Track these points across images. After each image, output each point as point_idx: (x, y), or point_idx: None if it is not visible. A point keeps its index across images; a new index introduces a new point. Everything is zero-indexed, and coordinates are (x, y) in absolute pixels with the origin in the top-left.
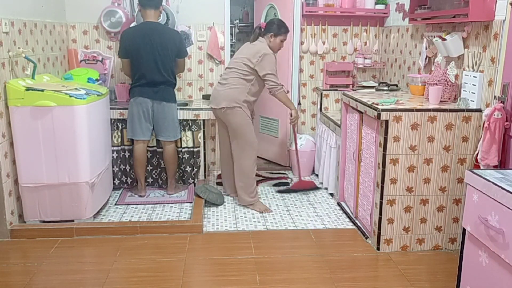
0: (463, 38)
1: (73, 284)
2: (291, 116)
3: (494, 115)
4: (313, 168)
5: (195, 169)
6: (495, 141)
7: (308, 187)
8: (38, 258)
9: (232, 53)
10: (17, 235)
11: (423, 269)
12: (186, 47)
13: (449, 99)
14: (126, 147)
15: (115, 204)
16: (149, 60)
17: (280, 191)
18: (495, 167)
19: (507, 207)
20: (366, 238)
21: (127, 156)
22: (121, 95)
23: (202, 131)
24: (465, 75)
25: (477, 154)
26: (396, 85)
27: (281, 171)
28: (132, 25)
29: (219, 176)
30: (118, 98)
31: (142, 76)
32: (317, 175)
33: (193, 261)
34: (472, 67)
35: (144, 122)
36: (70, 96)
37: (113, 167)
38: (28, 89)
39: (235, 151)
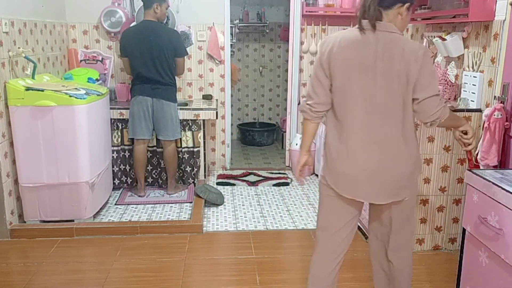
0: (463, 38)
1: (73, 284)
2: (465, 134)
3: (494, 115)
4: (313, 168)
5: (195, 169)
6: (495, 141)
7: None
8: (38, 258)
9: (232, 53)
10: (17, 235)
11: (423, 269)
12: (185, 46)
13: (449, 99)
14: (126, 147)
15: (115, 204)
16: (146, 59)
17: None
18: (495, 167)
19: (507, 207)
20: (366, 238)
21: (127, 156)
22: (121, 95)
23: (202, 131)
24: (465, 75)
25: (477, 154)
26: None
27: (281, 171)
28: (132, 24)
29: (219, 176)
30: (118, 98)
31: (140, 74)
32: (317, 175)
33: (193, 261)
34: (472, 67)
35: (144, 121)
36: (70, 96)
37: (113, 167)
38: (28, 89)
39: (406, 238)
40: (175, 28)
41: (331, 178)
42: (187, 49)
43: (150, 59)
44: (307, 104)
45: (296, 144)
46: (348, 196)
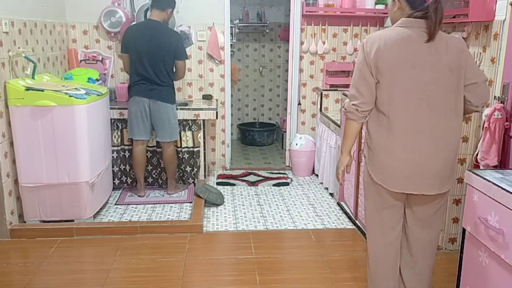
0: (463, 38)
1: (73, 284)
2: None
3: (494, 115)
4: (313, 168)
5: (195, 169)
6: (495, 141)
7: None
8: (38, 258)
9: (232, 53)
10: (17, 235)
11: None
12: (186, 50)
13: None
14: (126, 147)
15: (115, 204)
16: (144, 57)
17: None
18: (495, 167)
19: (507, 207)
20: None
21: (127, 156)
22: (121, 95)
23: (202, 131)
24: None
25: (477, 154)
26: None
27: (281, 171)
28: (133, 23)
29: (219, 176)
30: (118, 98)
31: (138, 73)
32: (317, 175)
33: (193, 261)
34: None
35: (142, 121)
36: (70, 96)
37: (113, 167)
38: (28, 89)
39: (432, 239)
40: (175, 28)
41: (378, 175)
42: (187, 49)
43: (148, 58)
44: (353, 104)
45: (296, 144)
46: (397, 191)
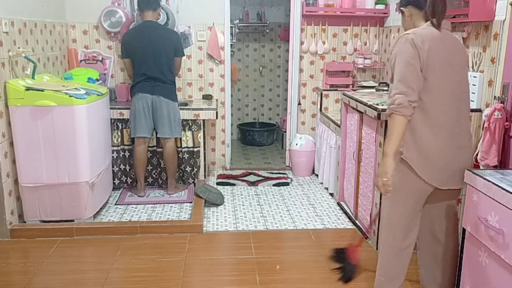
0: (463, 38)
1: (73, 284)
2: None
3: (494, 115)
4: (313, 168)
5: (195, 169)
6: (495, 141)
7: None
8: (38, 258)
9: (232, 53)
10: (17, 235)
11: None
12: (183, 47)
13: None
14: (126, 147)
15: (115, 204)
16: (147, 57)
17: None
18: (495, 167)
19: (507, 207)
20: (366, 238)
21: (127, 156)
22: (121, 95)
23: (202, 131)
24: None
25: (477, 154)
26: None
27: (281, 171)
28: (131, 26)
29: (219, 176)
30: (118, 98)
31: (142, 73)
32: (317, 175)
33: (193, 261)
34: (472, 67)
35: (144, 118)
36: (70, 96)
37: (113, 167)
38: (28, 89)
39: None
40: (175, 28)
41: (427, 174)
42: (187, 49)
43: (152, 58)
44: (408, 100)
45: (296, 144)
46: (435, 185)
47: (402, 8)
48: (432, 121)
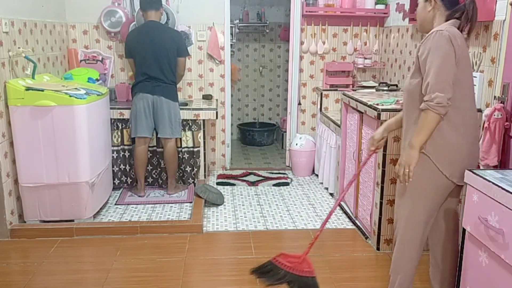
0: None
1: (73, 284)
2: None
3: (494, 115)
4: (313, 168)
5: (195, 169)
6: (495, 141)
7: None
8: (38, 258)
9: (232, 53)
10: (17, 235)
11: (423, 269)
12: (186, 47)
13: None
14: (126, 147)
15: (115, 204)
16: (149, 57)
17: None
18: (495, 167)
19: (507, 207)
20: (366, 238)
21: (127, 156)
22: (121, 95)
23: (202, 131)
24: None
25: None
26: (396, 85)
27: (281, 171)
28: (131, 26)
29: (219, 176)
30: (118, 98)
31: (143, 73)
32: (317, 175)
33: (193, 261)
34: (472, 67)
35: (145, 118)
36: (70, 96)
37: (113, 167)
38: (28, 89)
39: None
40: (175, 28)
41: (444, 165)
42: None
43: (154, 58)
44: (448, 99)
45: (296, 144)
46: (455, 181)
47: None
48: (459, 117)
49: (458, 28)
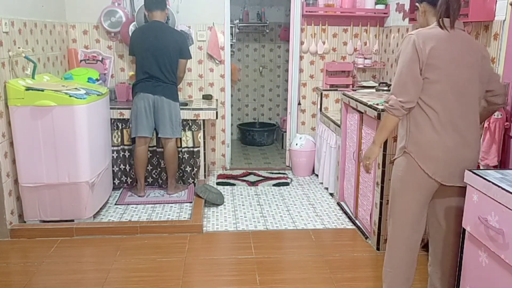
0: None
1: (73, 284)
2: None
3: (494, 115)
4: (313, 168)
5: (195, 169)
6: (495, 141)
7: None
8: (38, 258)
9: (232, 53)
10: (17, 235)
11: (423, 269)
12: (189, 50)
13: None
14: (126, 147)
15: (115, 204)
16: (149, 56)
17: None
18: (495, 167)
19: (507, 207)
20: (366, 238)
21: (127, 156)
22: (121, 95)
23: (202, 131)
24: None
25: None
26: None
27: (281, 171)
28: (131, 26)
29: (219, 176)
30: (118, 98)
31: (144, 71)
32: (317, 175)
33: (193, 261)
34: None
35: (146, 118)
36: (70, 96)
37: (113, 167)
38: (28, 89)
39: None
40: (175, 28)
41: (431, 169)
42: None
43: (154, 57)
44: (400, 101)
45: (296, 144)
46: (439, 180)
47: (417, 4)
48: (435, 117)
49: (449, 24)
